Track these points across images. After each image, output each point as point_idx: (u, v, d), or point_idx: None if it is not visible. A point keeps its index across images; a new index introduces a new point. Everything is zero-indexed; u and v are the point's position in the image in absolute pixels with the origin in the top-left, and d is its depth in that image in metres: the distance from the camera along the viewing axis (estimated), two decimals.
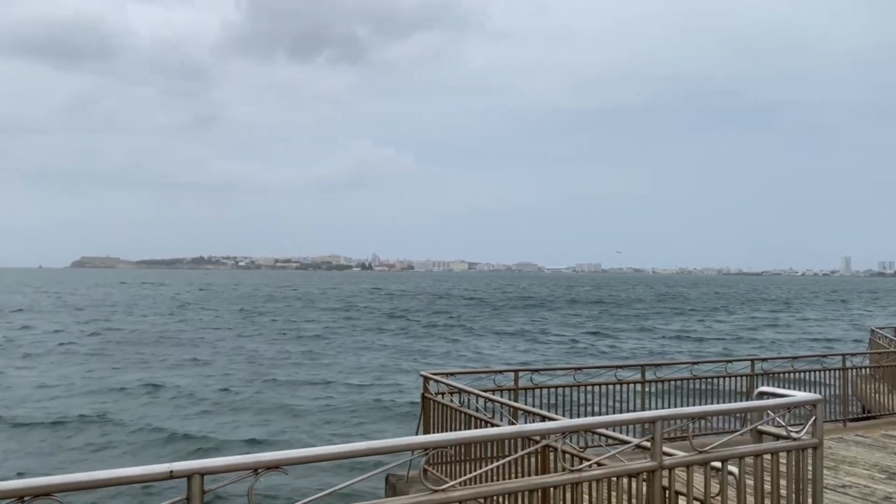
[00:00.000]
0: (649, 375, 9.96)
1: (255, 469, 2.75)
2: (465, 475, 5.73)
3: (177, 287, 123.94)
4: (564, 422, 4.61)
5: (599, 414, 9.11)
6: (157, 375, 24.91)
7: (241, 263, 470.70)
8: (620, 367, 10.32)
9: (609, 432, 4.79)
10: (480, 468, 6.36)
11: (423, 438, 3.32)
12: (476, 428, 6.63)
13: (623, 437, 4.76)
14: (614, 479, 3.82)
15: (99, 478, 2.56)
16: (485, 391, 7.73)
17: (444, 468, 7.49)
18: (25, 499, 2.43)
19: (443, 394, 7.98)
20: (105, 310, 61.95)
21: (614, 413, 8.61)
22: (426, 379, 8.29)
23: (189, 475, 2.62)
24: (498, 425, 6.23)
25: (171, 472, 2.59)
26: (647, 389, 9.89)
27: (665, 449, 3.88)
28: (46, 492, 2.45)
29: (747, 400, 7.88)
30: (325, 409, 19.49)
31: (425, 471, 8.25)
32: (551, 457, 5.47)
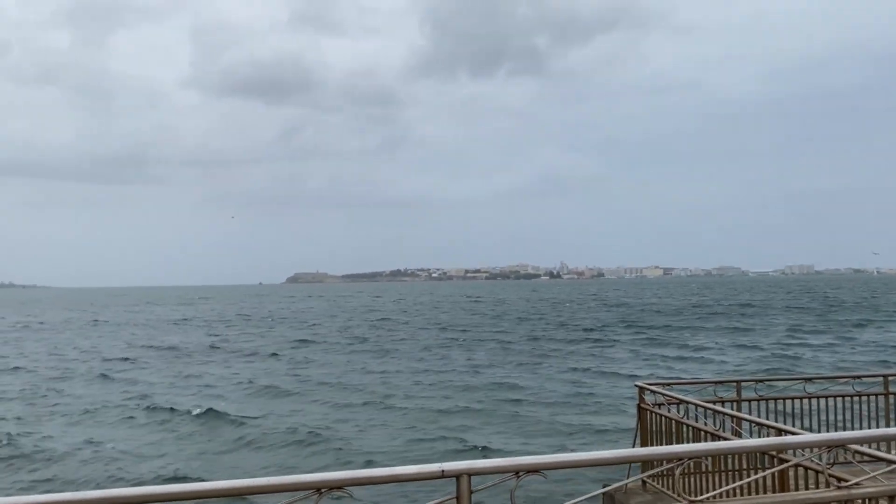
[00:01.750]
0: (894, 388, 8.95)
1: (517, 472, 2.88)
2: (706, 491, 5.52)
3: (405, 298, 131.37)
4: (824, 436, 4.30)
5: (838, 429, 8.35)
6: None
7: (434, 275, 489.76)
8: (858, 377, 9.37)
9: (867, 449, 4.40)
10: (713, 483, 6.10)
11: (702, 446, 3.28)
12: (702, 441, 6.37)
13: (886, 455, 4.34)
14: (885, 499, 3.51)
15: (380, 475, 2.84)
16: (706, 402, 7.40)
17: (663, 481, 7.28)
18: (322, 491, 2.74)
19: (660, 405, 7.76)
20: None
21: (862, 429, 7.85)
22: (641, 389, 8.11)
23: (458, 475, 2.81)
24: (728, 439, 5.94)
25: (443, 471, 2.80)
26: (891, 403, 8.90)
27: None
28: (338, 485, 2.76)
29: None
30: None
31: (644, 482, 8.09)
32: (791, 473, 5.13)
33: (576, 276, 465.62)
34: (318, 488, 2.74)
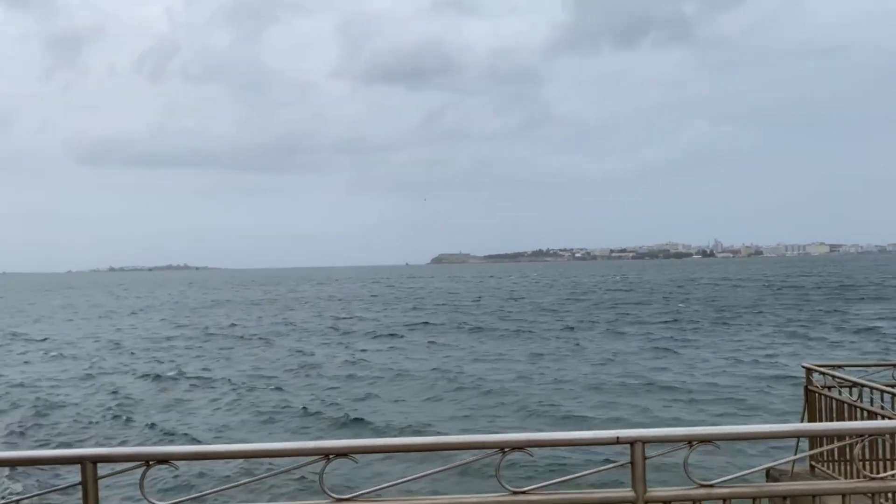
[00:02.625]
0: None
1: (690, 441, 3.02)
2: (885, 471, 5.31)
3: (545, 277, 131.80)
4: None
5: None
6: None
7: (577, 255, 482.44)
8: None
9: None
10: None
11: None
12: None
13: None
14: None
15: (559, 438, 3.11)
16: (887, 385, 7.00)
17: (833, 466, 7.00)
18: (505, 450, 3.01)
19: (830, 387, 7.43)
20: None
21: None
22: (809, 370, 7.80)
23: (633, 442, 2.99)
24: None
25: (618, 438, 2.99)
26: None
27: None
28: (520, 446, 3.02)
29: None
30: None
31: (812, 467, 7.80)
32: None
33: (731, 255, 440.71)
34: (502, 447, 3.01)
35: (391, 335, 37.84)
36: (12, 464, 3.92)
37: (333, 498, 2.94)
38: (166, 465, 3.00)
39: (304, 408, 19.24)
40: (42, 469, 12.31)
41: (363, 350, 31.80)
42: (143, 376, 25.27)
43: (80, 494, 2.95)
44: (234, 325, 46.80)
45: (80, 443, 16.03)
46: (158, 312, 61.94)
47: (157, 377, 24.96)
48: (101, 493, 3.00)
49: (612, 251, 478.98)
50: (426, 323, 44.46)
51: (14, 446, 16.10)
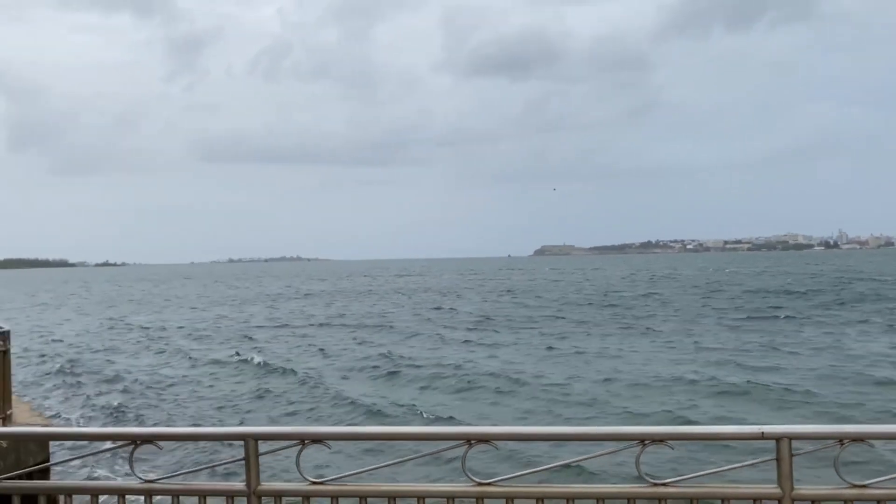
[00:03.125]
0: None
1: (841, 440, 2.91)
2: None
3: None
4: None
5: None
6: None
7: (688, 246, 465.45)
8: None
9: None
10: None
11: None
12: None
13: None
14: None
15: (701, 432, 3.11)
16: None
17: None
18: (646, 442, 3.02)
19: None
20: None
21: None
22: None
23: (779, 438, 2.92)
24: None
25: (763, 433, 2.93)
26: None
27: None
28: (661, 438, 3.03)
29: None
30: None
31: None
32: None
33: (857, 246, 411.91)
34: (643, 440, 3.03)
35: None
36: (184, 438, 4.27)
37: (475, 482, 3.06)
38: (319, 444, 3.20)
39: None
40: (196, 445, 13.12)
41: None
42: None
43: (243, 468, 3.21)
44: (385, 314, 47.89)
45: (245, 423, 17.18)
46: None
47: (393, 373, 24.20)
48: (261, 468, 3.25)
49: (725, 242, 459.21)
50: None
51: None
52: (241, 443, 3.20)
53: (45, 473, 5.40)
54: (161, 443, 3.33)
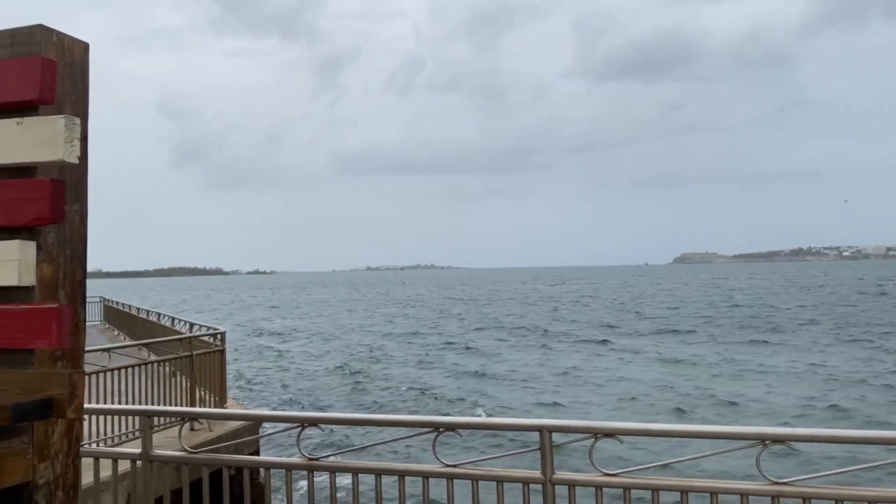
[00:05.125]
0: None
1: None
2: None
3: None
4: None
5: None
6: None
7: (844, 253, 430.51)
8: None
9: None
10: None
11: None
12: None
13: None
14: None
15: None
16: None
17: None
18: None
19: None
20: None
21: None
22: None
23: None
24: None
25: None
26: None
27: None
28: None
29: None
30: None
31: None
32: None
33: None
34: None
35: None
36: (482, 427, 4.73)
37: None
38: (612, 439, 3.43)
39: None
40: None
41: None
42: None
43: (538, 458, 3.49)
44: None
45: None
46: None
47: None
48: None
49: (888, 249, 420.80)
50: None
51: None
52: (536, 433, 3.49)
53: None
54: (461, 431, 3.68)
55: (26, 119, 1.88)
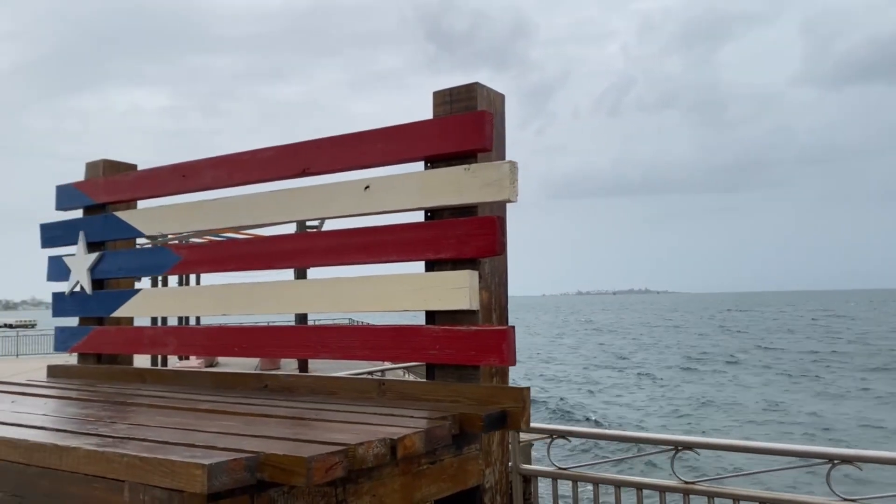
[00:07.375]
0: None
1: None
2: None
3: None
4: None
5: None
6: None
7: None
8: None
9: None
10: None
11: None
12: None
13: None
14: None
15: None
16: None
17: None
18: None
19: None
20: None
21: None
22: None
23: None
24: None
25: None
26: None
27: None
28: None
29: None
30: None
31: None
32: None
33: None
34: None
35: None
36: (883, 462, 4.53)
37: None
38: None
39: None
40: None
41: None
42: None
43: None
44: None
45: None
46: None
47: None
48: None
49: None
50: None
51: None
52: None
53: None
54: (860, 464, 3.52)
55: (473, 165, 2.17)
